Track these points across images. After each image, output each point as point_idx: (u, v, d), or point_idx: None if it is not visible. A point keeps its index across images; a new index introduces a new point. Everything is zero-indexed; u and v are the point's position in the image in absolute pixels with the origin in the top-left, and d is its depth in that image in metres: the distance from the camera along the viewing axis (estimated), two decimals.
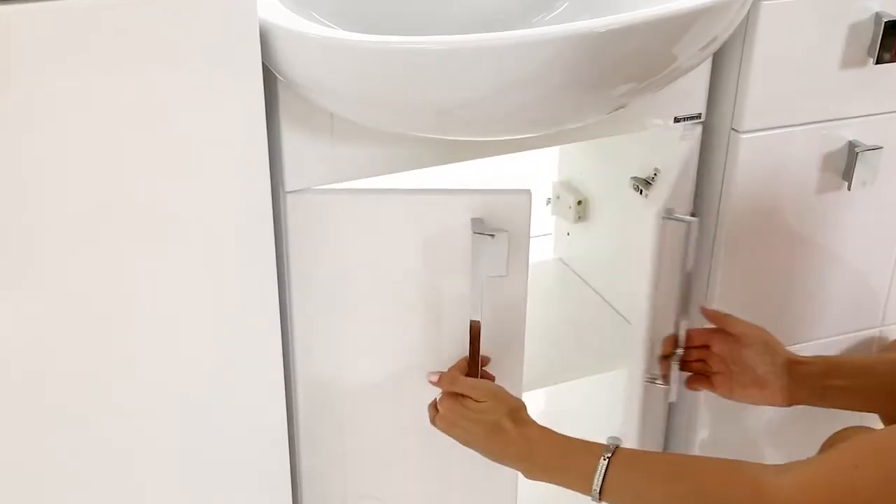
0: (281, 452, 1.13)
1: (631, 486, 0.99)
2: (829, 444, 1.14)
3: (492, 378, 1.15)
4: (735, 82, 1.17)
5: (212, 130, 0.95)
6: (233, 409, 1.08)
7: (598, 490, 0.98)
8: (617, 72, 0.95)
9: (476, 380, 1.11)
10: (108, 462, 1.05)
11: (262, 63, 0.94)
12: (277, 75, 0.97)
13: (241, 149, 0.97)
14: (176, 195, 0.96)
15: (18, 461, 1.01)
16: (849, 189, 1.24)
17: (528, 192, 1.08)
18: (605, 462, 0.98)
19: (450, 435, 1.09)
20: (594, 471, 0.98)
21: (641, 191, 1.29)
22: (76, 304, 0.97)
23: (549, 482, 1.04)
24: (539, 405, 1.63)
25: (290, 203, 1.05)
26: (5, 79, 0.86)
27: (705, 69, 1.17)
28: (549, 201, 1.52)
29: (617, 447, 1.00)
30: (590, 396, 1.53)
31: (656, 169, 1.28)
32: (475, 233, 1.05)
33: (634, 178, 1.31)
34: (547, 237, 1.57)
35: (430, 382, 1.11)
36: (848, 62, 1.18)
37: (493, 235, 1.04)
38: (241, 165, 0.98)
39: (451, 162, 1.11)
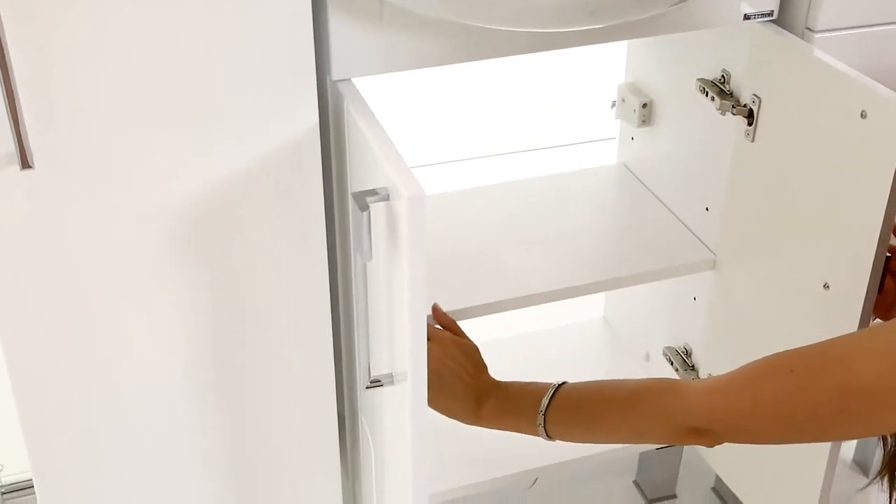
0: None
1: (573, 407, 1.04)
2: None
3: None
4: None
5: (254, 15, 0.93)
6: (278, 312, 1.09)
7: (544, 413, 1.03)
8: None
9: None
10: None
11: None
12: None
13: (285, 35, 0.95)
14: (219, 83, 0.95)
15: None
16: None
17: None
18: (551, 391, 1.04)
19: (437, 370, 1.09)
20: (542, 397, 1.04)
21: (707, 93, 1.24)
22: (123, 195, 0.97)
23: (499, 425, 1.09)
24: (598, 310, 1.62)
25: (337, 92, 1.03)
26: None
27: None
28: (613, 104, 1.48)
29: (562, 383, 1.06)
30: (647, 302, 1.50)
31: (724, 70, 1.23)
32: None
33: (701, 80, 1.26)
34: (611, 141, 1.53)
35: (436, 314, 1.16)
36: None
37: None
38: (286, 52, 0.95)
39: (505, 55, 1.07)
